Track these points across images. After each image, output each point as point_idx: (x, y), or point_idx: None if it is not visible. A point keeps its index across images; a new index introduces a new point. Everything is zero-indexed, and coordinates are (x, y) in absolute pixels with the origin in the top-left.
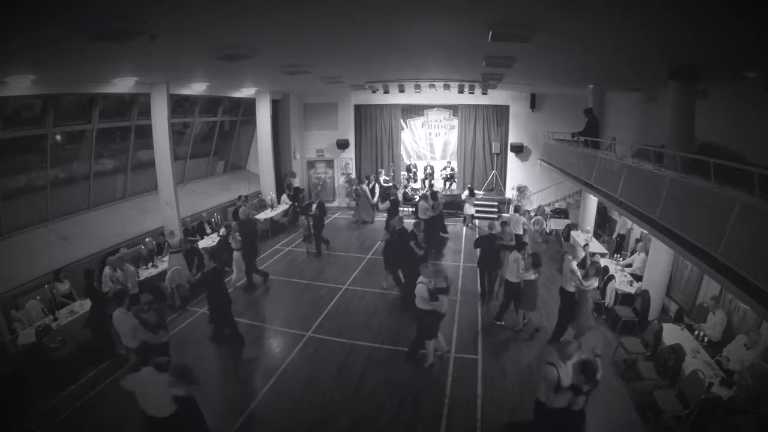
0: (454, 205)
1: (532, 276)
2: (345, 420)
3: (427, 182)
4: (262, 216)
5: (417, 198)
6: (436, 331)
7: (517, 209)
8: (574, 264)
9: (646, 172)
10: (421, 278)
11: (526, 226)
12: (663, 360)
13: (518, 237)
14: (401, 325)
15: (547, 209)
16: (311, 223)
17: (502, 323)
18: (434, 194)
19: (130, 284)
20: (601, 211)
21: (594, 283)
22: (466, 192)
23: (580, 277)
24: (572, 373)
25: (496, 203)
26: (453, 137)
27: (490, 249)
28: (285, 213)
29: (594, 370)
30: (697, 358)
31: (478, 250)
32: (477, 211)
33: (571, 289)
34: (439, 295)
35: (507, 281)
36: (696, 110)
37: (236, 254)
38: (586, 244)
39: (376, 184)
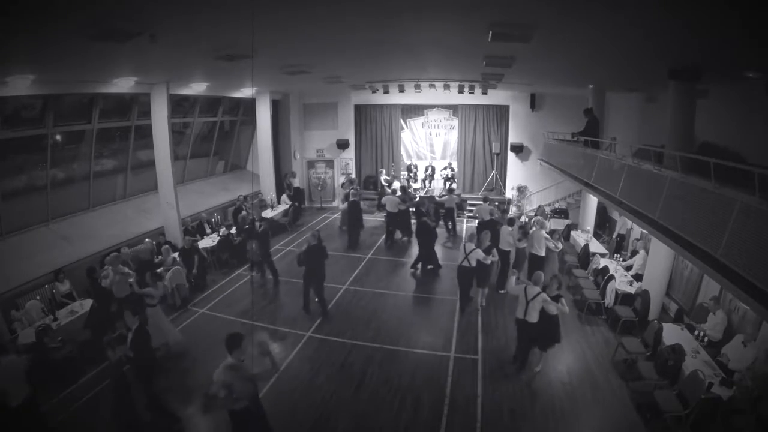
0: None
1: (523, 244)
2: (345, 420)
3: (426, 182)
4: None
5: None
6: (488, 280)
7: (485, 200)
8: (544, 232)
9: (646, 172)
10: (470, 245)
11: (493, 214)
12: (663, 360)
13: (490, 222)
14: (401, 325)
15: (547, 209)
16: (254, 247)
17: (505, 291)
18: (404, 188)
19: (116, 290)
20: (601, 211)
21: (559, 245)
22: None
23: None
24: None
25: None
26: (453, 137)
27: (493, 232)
28: (285, 213)
29: (560, 280)
30: (697, 358)
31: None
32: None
33: (542, 253)
34: (492, 250)
35: (500, 250)
36: (696, 110)
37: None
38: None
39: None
